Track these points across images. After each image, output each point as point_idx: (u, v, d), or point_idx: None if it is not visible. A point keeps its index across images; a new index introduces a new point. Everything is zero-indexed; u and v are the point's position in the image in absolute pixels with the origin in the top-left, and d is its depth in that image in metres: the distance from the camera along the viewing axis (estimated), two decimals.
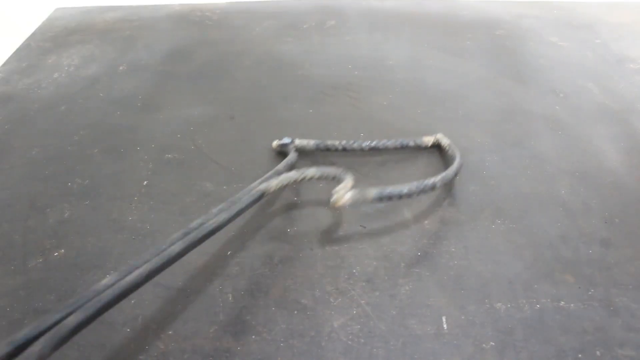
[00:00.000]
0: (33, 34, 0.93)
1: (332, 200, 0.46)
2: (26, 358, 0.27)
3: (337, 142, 0.58)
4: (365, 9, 1.03)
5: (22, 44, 0.89)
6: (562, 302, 0.43)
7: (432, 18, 0.99)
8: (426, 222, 0.51)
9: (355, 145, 0.58)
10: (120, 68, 0.80)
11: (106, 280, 0.35)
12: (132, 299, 0.43)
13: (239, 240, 0.49)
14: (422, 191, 0.49)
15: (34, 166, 0.59)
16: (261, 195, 0.47)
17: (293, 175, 0.50)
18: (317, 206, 0.52)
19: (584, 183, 0.56)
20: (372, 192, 0.47)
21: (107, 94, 0.73)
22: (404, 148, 0.59)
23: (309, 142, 0.58)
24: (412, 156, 0.60)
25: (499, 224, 0.51)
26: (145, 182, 0.56)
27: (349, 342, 0.40)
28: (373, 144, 0.58)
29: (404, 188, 0.48)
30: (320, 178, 0.51)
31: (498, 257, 0.47)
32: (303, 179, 0.50)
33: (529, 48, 0.86)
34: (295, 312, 0.42)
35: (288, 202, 0.53)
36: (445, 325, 0.41)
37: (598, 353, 0.39)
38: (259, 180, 0.50)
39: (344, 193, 0.46)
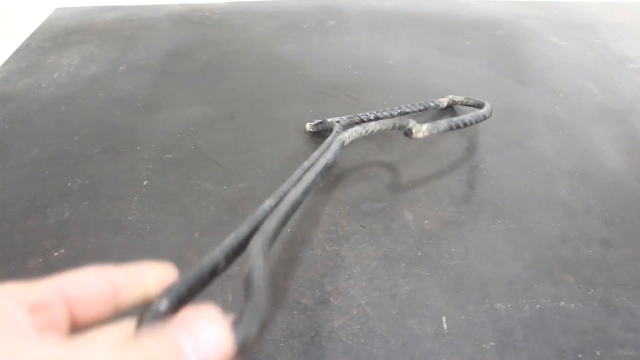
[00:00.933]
0: (33, 34, 0.93)
1: (414, 130, 0.50)
2: (250, 250, 0.27)
3: (368, 113, 0.63)
4: (365, 9, 1.03)
5: (22, 44, 0.89)
6: (562, 302, 0.43)
7: (432, 18, 0.99)
8: (426, 222, 0.51)
9: (385, 112, 0.64)
10: (120, 68, 0.80)
11: (268, 202, 0.36)
12: None
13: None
14: (477, 120, 0.56)
15: (34, 166, 0.59)
16: (342, 144, 0.51)
17: (359, 128, 0.53)
18: (317, 206, 0.52)
19: (584, 183, 0.56)
20: (443, 123, 0.52)
21: (107, 94, 0.73)
22: (427, 109, 0.66)
23: (341, 118, 0.63)
24: (436, 115, 0.68)
25: (499, 224, 0.51)
26: (145, 182, 0.56)
27: (349, 342, 0.40)
28: (400, 109, 0.64)
29: (465, 117, 0.55)
30: (380, 130, 0.54)
31: (498, 257, 0.47)
32: (367, 132, 0.54)
33: (529, 48, 0.86)
34: (295, 312, 0.42)
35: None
36: (445, 325, 0.41)
37: (598, 353, 0.39)
38: (330, 137, 0.54)
39: (420, 127, 0.50)
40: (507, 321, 0.41)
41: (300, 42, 0.88)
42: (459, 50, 0.86)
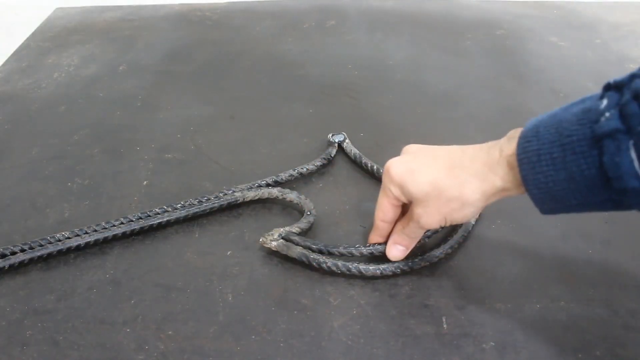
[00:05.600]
0: (33, 34, 0.93)
1: (260, 240, 0.47)
2: None
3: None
4: (365, 9, 1.03)
5: (22, 44, 0.89)
6: (562, 302, 0.43)
7: (432, 18, 0.99)
8: None
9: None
10: (120, 68, 0.80)
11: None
12: (132, 299, 0.43)
13: (239, 240, 0.49)
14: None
15: (34, 166, 0.59)
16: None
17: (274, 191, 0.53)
18: (317, 206, 0.52)
19: None
20: (297, 249, 0.46)
21: (107, 94, 0.73)
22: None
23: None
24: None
25: (499, 223, 0.51)
26: (145, 182, 0.56)
27: (349, 342, 0.40)
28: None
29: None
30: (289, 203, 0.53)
31: (498, 257, 0.47)
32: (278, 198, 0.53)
33: (529, 48, 0.86)
34: (295, 312, 0.42)
35: (288, 202, 0.53)
36: (445, 325, 0.41)
37: (598, 353, 0.39)
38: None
39: (271, 240, 0.46)
40: (507, 321, 0.41)
41: (300, 42, 0.88)
42: (459, 50, 0.86)
